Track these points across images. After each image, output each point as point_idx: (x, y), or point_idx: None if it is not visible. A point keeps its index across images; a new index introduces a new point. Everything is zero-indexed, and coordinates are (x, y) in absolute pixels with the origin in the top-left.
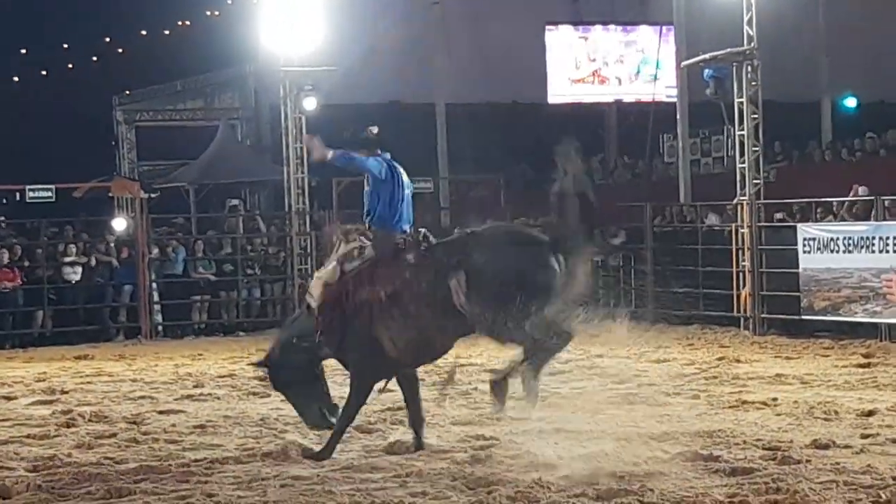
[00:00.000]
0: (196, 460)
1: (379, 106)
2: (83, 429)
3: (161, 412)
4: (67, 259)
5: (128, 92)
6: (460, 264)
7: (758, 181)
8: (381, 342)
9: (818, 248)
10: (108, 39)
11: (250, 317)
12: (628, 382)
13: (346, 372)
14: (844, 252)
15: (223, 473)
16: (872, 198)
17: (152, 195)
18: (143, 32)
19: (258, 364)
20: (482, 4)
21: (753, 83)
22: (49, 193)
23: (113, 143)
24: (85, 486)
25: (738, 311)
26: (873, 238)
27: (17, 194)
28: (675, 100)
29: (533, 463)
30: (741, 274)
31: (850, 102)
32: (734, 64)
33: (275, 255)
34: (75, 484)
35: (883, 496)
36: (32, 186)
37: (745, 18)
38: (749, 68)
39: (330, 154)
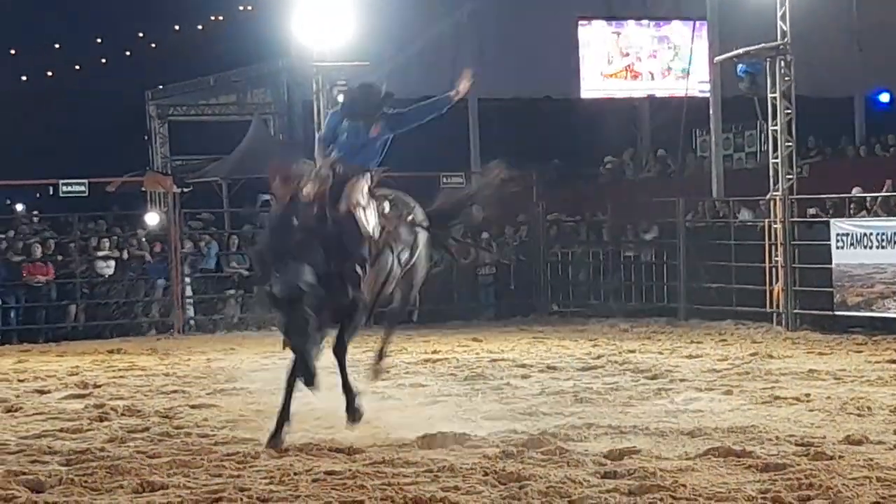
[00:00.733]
0: (228, 455)
1: (411, 101)
2: (116, 423)
3: (193, 406)
4: (100, 253)
5: (161, 87)
6: None
7: (791, 176)
8: None
9: (851, 244)
10: (141, 34)
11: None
12: (661, 378)
13: None
14: (878, 247)
15: (255, 468)
16: None
17: (185, 190)
18: (177, 27)
19: None
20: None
21: (787, 78)
22: (82, 188)
23: (146, 137)
24: (118, 479)
25: (771, 307)
26: None
27: (51, 189)
28: (707, 95)
29: (565, 458)
30: (774, 269)
31: (884, 97)
32: (767, 59)
33: None
34: (108, 478)
35: None
36: (66, 181)
37: (779, 13)
38: (782, 63)
39: None
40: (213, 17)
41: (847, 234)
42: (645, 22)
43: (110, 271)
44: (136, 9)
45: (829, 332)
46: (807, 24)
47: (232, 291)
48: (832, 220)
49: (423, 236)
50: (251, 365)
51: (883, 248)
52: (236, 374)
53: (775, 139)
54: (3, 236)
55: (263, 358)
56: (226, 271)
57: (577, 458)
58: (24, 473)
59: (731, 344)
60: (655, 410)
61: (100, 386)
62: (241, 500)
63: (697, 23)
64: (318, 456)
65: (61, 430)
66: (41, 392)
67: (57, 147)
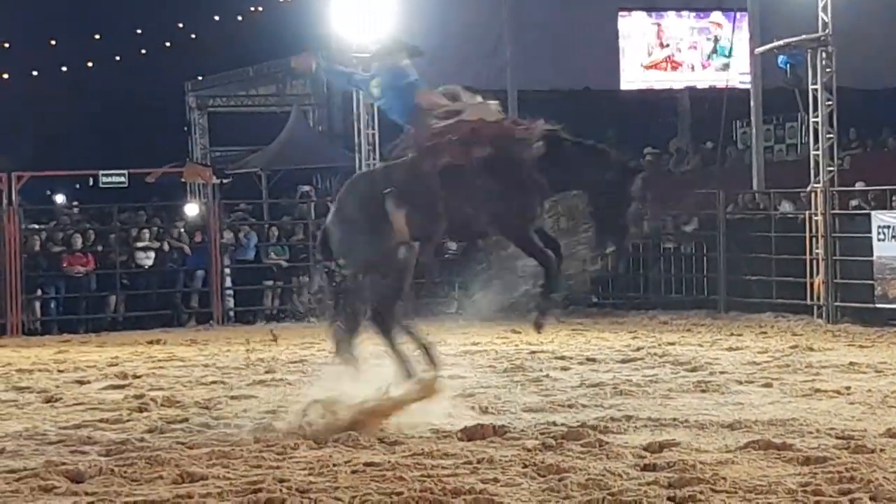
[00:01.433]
0: (268, 445)
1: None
2: (155, 413)
3: (233, 397)
4: (140, 244)
5: (200, 78)
6: None
7: (832, 168)
8: None
9: (893, 236)
10: (180, 25)
11: (321, 302)
12: (700, 370)
13: None
14: None
15: (294, 459)
16: None
17: (224, 181)
18: (216, 18)
19: None
20: None
21: (828, 70)
22: (122, 179)
23: (185, 128)
24: (157, 470)
25: (812, 300)
26: None
27: (91, 179)
28: (748, 86)
29: (604, 450)
30: (814, 262)
31: None
32: (808, 50)
33: None
34: (147, 468)
35: None
36: (106, 171)
37: (820, 5)
38: (823, 55)
39: None
40: (252, 9)
41: (888, 227)
42: (685, 13)
43: (150, 262)
44: (176, 0)
45: (869, 324)
46: (849, 15)
47: (270, 283)
48: (873, 213)
49: None
50: (290, 356)
51: None
52: (274, 366)
53: (816, 131)
54: (43, 227)
55: (302, 349)
56: (264, 262)
57: (616, 450)
58: (64, 464)
59: (772, 336)
60: (695, 403)
61: (139, 376)
62: (280, 490)
63: (738, 13)
64: (357, 447)
65: (101, 421)
66: (81, 382)
67: (97, 138)
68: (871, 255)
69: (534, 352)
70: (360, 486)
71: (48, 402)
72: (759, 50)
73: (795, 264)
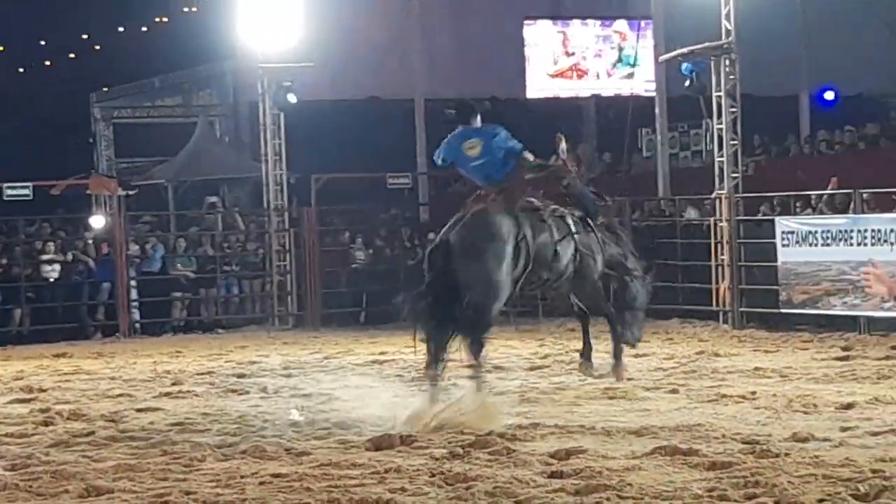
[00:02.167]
0: (174, 458)
1: (358, 102)
2: (61, 427)
3: (139, 410)
4: (45, 257)
5: (105, 89)
6: None
7: (736, 175)
8: None
9: (797, 242)
10: (85, 36)
11: (229, 314)
12: (608, 377)
13: None
14: (823, 245)
15: (201, 471)
16: (851, 191)
17: (130, 192)
18: (121, 29)
19: None
20: (462, 1)
21: (731, 77)
22: (27, 191)
23: (91, 140)
24: (63, 484)
25: (717, 305)
26: (851, 231)
27: None
28: (653, 94)
29: (511, 458)
30: (720, 268)
31: (829, 95)
32: (712, 58)
33: (254, 251)
34: (53, 483)
35: (861, 489)
36: (10, 184)
37: (723, 12)
38: (727, 62)
39: None
40: (157, 19)
41: (792, 232)
42: (590, 21)
43: (55, 275)
44: (80, 11)
45: (774, 329)
46: (752, 22)
47: (177, 294)
48: (777, 218)
49: None
50: (197, 368)
51: (828, 245)
52: (182, 378)
53: (720, 138)
54: None
55: (209, 361)
56: (171, 274)
57: (523, 458)
58: None
59: (678, 343)
60: (602, 410)
61: (45, 390)
62: (188, 503)
63: (642, 22)
64: (264, 459)
65: (6, 435)
66: None
67: (1, 150)
68: (776, 260)
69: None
70: (267, 498)
71: None
72: (663, 58)
73: (701, 271)
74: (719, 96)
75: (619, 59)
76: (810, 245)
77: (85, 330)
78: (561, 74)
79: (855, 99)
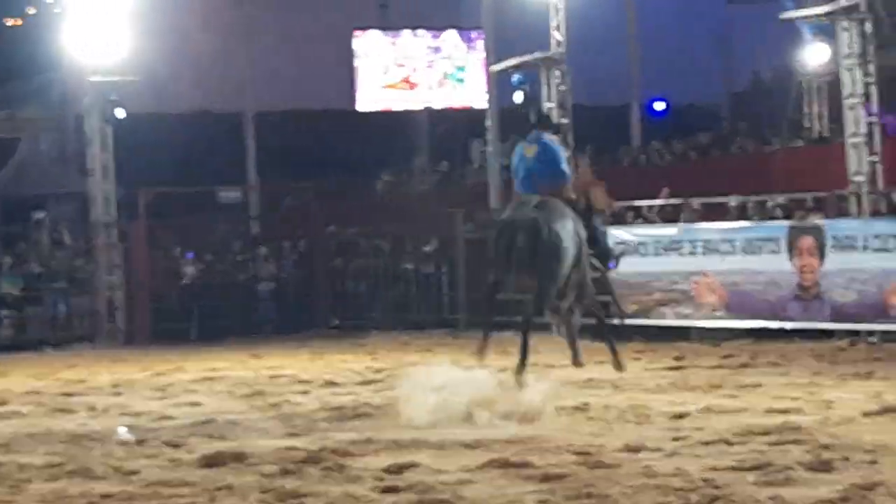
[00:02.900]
0: (0, 478)
1: (187, 115)
2: None
3: None
4: None
5: None
6: None
7: None
8: None
9: (629, 252)
10: None
11: (57, 331)
12: (442, 390)
13: None
14: (654, 255)
15: (28, 492)
16: (681, 201)
17: None
18: None
19: None
20: (290, 13)
21: (561, 87)
22: None
23: None
24: None
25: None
26: (682, 241)
27: None
28: (485, 106)
29: (344, 474)
30: None
31: (659, 106)
32: (542, 68)
33: (82, 267)
34: None
35: (693, 498)
36: None
37: (552, 24)
38: (557, 73)
39: None
40: None
41: (623, 243)
42: (421, 32)
43: None
44: None
45: None
46: (583, 32)
47: (4, 312)
48: (608, 229)
49: None
50: (23, 387)
51: (659, 255)
52: (8, 397)
53: None
54: None
55: (36, 380)
56: None
57: (356, 473)
58: None
59: (513, 354)
60: (436, 423)
61: None
62: None
63: (473, 33)
64: (93, 478)
65: None
66: None
67: None
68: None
69: (273, 376)
70: None
71: None
72: (493, 68)
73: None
74: (550, 106)
75: (451, 71)
76: (642, 255)
77: None
78: (393, 86)
79: (685, 109)
